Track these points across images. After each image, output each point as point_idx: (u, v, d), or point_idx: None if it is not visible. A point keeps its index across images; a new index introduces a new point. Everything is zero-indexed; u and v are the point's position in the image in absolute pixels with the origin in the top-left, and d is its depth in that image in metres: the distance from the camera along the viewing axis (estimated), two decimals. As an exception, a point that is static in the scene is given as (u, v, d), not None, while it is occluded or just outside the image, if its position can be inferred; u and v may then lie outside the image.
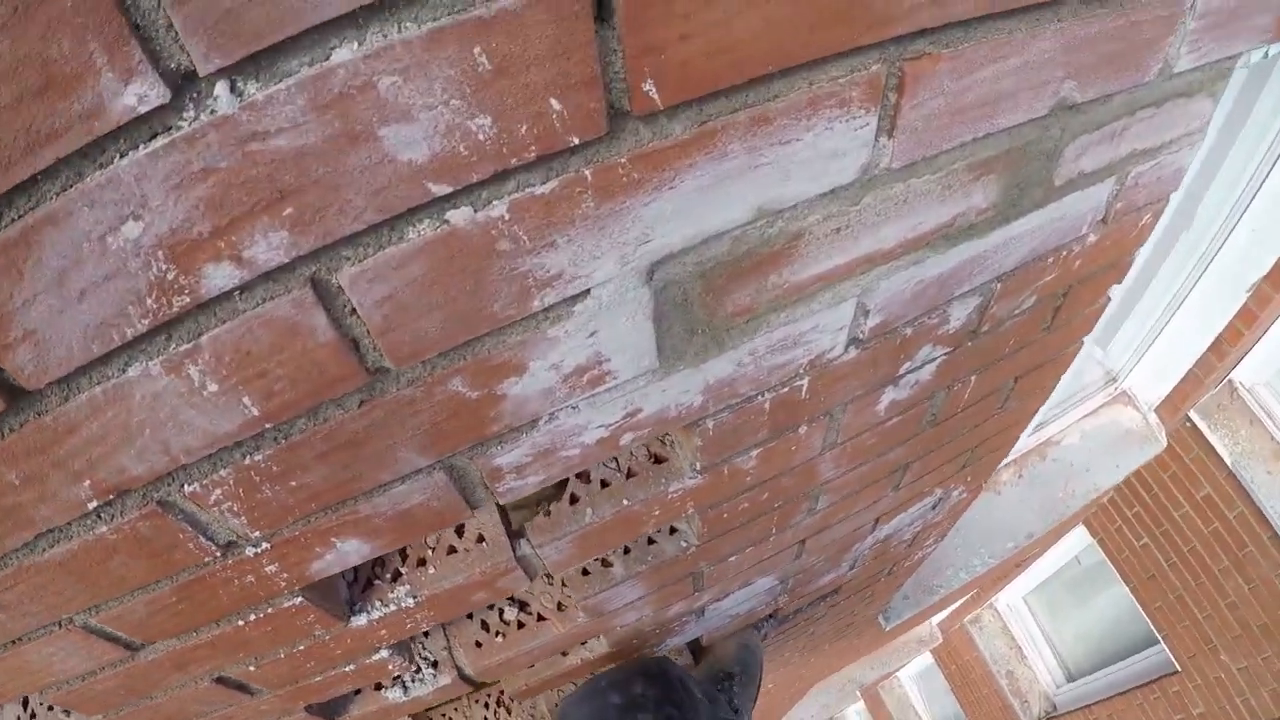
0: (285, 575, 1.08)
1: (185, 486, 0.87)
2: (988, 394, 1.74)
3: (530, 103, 0.67)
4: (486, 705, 2.31)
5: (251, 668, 1.29)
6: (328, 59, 0.59)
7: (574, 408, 1.02)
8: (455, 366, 0.86)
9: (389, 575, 1.32)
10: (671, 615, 2.00)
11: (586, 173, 0.75)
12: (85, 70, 0.53)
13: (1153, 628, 6.77)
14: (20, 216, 0.60)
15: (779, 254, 0.95)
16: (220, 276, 0.68)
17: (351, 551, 1.08)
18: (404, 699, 1.67)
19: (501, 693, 2.32)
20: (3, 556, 0.88)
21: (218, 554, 0.98)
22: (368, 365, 0.81)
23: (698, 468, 1.31)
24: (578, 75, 0.67)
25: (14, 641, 1.04)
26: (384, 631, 1.34)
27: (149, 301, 0.68)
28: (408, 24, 0.59)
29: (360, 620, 1.29)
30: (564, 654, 2.00)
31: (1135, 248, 1.47)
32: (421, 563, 1.32)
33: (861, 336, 1.19)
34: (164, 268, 0.66)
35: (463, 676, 1.67)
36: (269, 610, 1.14)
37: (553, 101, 0.67)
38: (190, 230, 0.64)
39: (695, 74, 0.72)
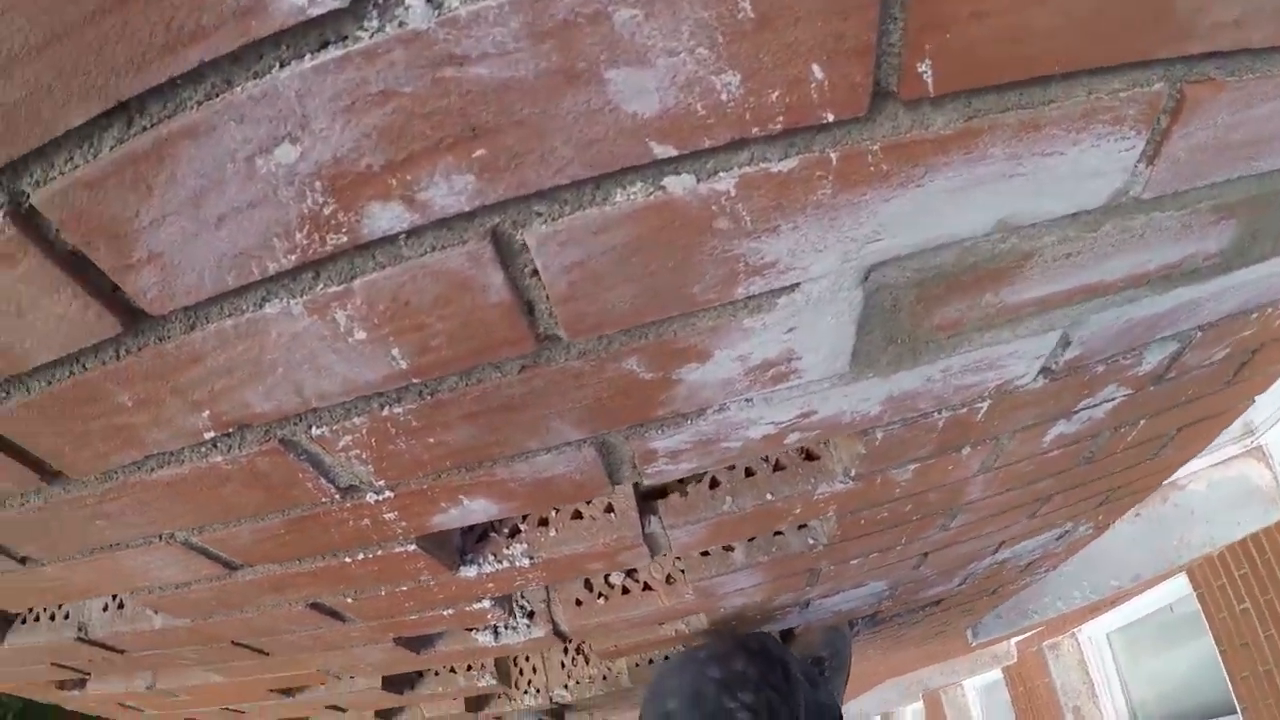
0: (403, 524, 1.00)
1: (313, 429, 0.79)
2: (1149, 440, 1.62)
3: (789, 65, 0.53)
4: (565, 651, 2.28)
5: (349, 599, 1.24)
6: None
7: (748, 401, 0.90)
8: (635, 345, 0.75)
9: (507, 530, 1.24)
10: (777, 605, 1.92)
11: (832, 155, 0.61)
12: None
13: (1234, 697, 6.29)
14: (154, 125, 0.51)
15: (1003, 272, 0.81)
16: (386, 218, 0.57)
17: (478, 510, 1.00)
18: (493, 644, 1.61)
19: (583, 641, 2.26)
20: (109, 471, 0.84)
21: (336, 496, 0.91)
22: (539, 332, 0.70)
23: (852, 474, 1.20)
24: (852, 41, 0.52)
25: (112, 546, 1.01)
26: (491, 585, 1.28)
27: (298, 236, 0.58)
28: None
29: (470, 572, 1.22)
30: (659, 623, 1.91)
31: (1336, 313, 1.32)
32: (543, 523, 1.23)
33: (1055, 368, 1.06)
34: (321, 201, 0.55)
35: (557, 631, 1.60)
36: (379, 552, 1.08)
37: (815, 67, 0.54)
38: (358, 162, 0.53)
39: (979, 61, 0.58)
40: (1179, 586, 6.83)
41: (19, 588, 1.15)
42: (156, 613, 1.33)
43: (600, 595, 1.57)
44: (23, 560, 1.05)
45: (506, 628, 1.59)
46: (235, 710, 2.16)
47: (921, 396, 1.00)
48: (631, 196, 0.59)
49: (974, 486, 1.44)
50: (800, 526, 1.49)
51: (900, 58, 0.55)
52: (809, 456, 1.23)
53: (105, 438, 0.78)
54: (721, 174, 0.59)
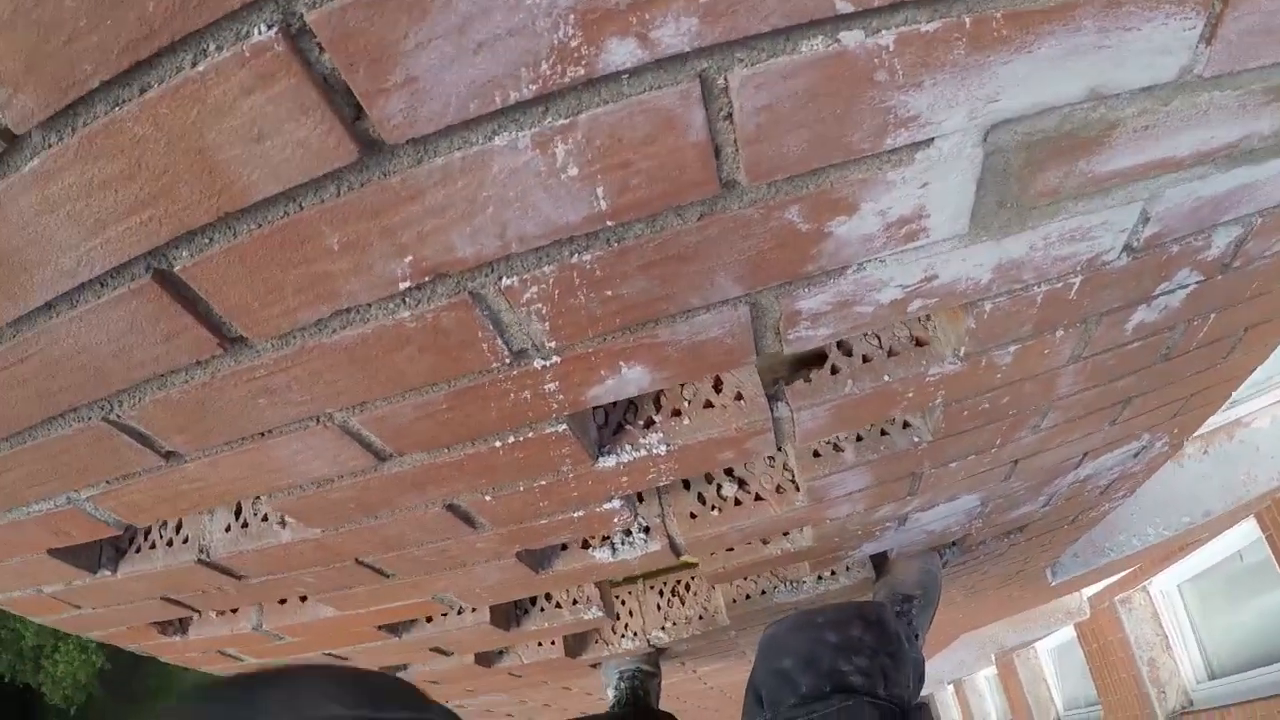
0: (561, 396, 1.12)
1: (503, 279, 0.91)
2: (1218, 338, 1.76)
3: None
4: (661, 593, 2.43)
5: (487, 497, 1.36)
6: None
7: (882, 261, 1.04)
8: (797, 195, 0.89)
9: (642, 422, 1.38)
10: (877, 518, 2.06)
11: (966, 20, 0.76)
12: None
13: (1306, 639, 6.68)
14: None
15: (1093, 141, 0.97)
16: (621, 53, 0.70)
17: (633, 380, 1.12)
18: (610, 559, 1.75)
19: (678, 582, 2.41)
20: (289, 333, 0.94)
21: (506, 361, 1.03)
22: (722, 176, 0.84)
23: (961, 353, 1.34)
24: None
25: (264, 433, 1.11)
26: (625, 478, 1.40)
27: (544, 66, 0.70)
28: None
29: (608, 461, 1.35)
30: (765, 541, 2.06)
31: (1385, 213, 1.48)
32: (676, 413, 1.37)
33: (1136, 245, 1.21)
34: (570, 33, 0.68)
35: (672, 545, 1.74)
36: (529, 434, 1.20)
37: None
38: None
39: None
40: (1248, 532, 7.19)
41: (153, 493, 1.24)
42: (284, 526, 1.46)
43: (714, 507, 1.72)
44: (167, 456, 1.15)
45: (623, 543, 1.73)
46: (338, 657, 2.27)
47: (1024, 266, 1.15)
48: (814, 47, 0.74)
49: (1064, 379, 1.59)
50: (905, 425, 1.65)
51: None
52: (918, 343, 1.38)
53: (300, 289, 0.88)
54: (883, 31, 0.74)
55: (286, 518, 1.46)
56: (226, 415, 1.07)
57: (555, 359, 1.05)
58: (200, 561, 1.53)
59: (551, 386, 1.10)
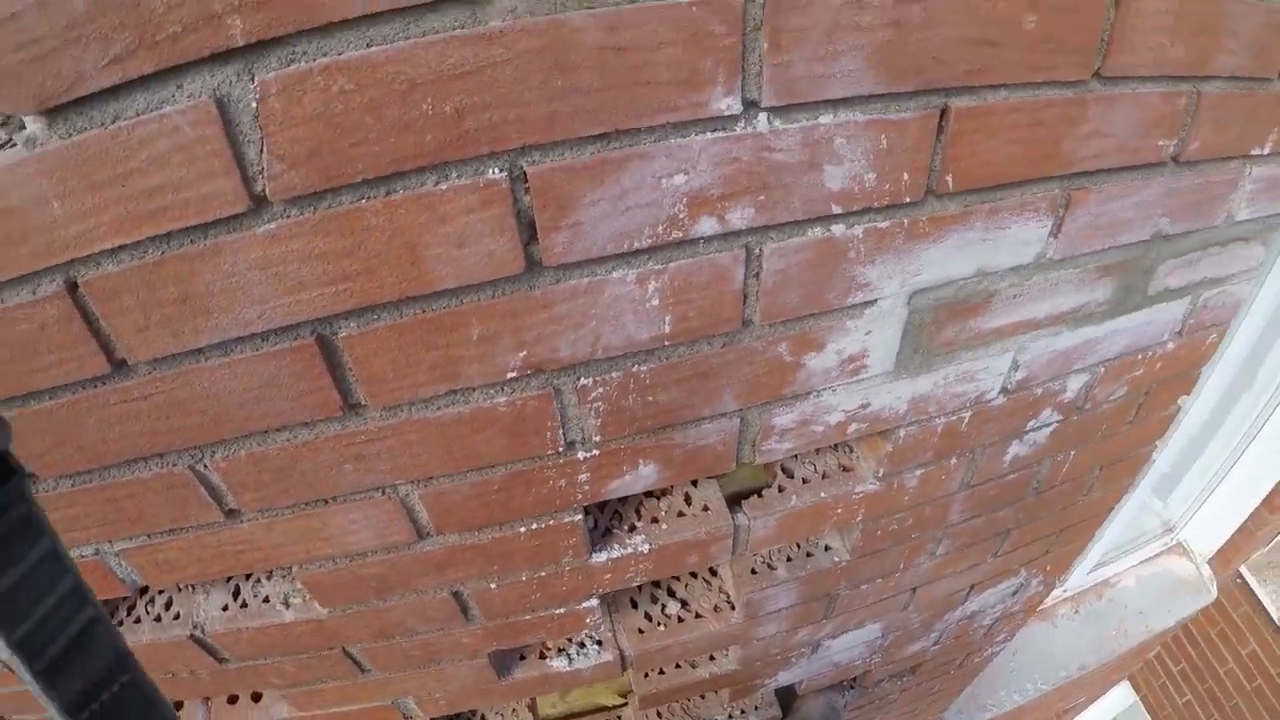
0: (587, 487, 1.46)
1: (581, 379, 1.23)
2: (1079, 475, 2.31)
3: (895, 171, 1.19)
4: (580, 749, 2.74)
5: (492, 585, 1.64)
6: (816, 120, 1.09)
7: (834, 390, 1.52)
8: (787, 334, 1.36)
9: (626, 527, 1.77)
10: (795, 641, 2.47)
11: (904, 220, 1.27)
12: (709, 80, 0.97)
13: (1188, 792, 7.10)
14: (620, 148, 0.99)
15: (978, 305, 1.48)
16: (706, 226, 1.12)
17: (644, 477, 1.50)
18: (566, 668, 2.08)
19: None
20: (402, 404, 1.17)
21: (560, 449, 1.34)
22: (744, 316, 1.29)
23: (880, 474, 1.81)
24: (920, 163, 1.20)
25: (330, 500, 1.30)
26: (609, 575, 1.76)
27: (659, 228, 1.09)
28: (855, 113, 1.12)
29: (600, 556, 1.69)
30: (694, 665, 2.44)
31: (1203, 363, 2.10)
32: (655, 520, 1.78)
33: (1010, 387, 1.73)
34: (681, 210, 1.08)
35: (622, 657, 2.10)
36: (550, 522, 1.52)
37: (905, 173, 1.21)
38: (708, 191, 1.08)
39: (971, 177, 1.25)
40: (1124, 696, 7.74)
41: (192, 552, 1.35)
42: (288, 607, 1.58)
43: (659, 624, 2.12)
44: (229, 513, 1.27)
45: (579, 654, 2.08)
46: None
47: (930, 400, 1.66)
48: (814, 233, 1.23)
49: (956, 505, 2.12)
50: (827, 548, 2.12)
51: (939, 173, 1.23)
52: (845, 469, 1.87)
53: (432, 367, 1.11)
54: (856, 226, 1.25)
55: (291, 599, 1.58)
56: (308, 477, 1.23)
57: (595, 452, 1.39)
58: (192, 637, 1.58)
59: (584, 477, 1.43)
